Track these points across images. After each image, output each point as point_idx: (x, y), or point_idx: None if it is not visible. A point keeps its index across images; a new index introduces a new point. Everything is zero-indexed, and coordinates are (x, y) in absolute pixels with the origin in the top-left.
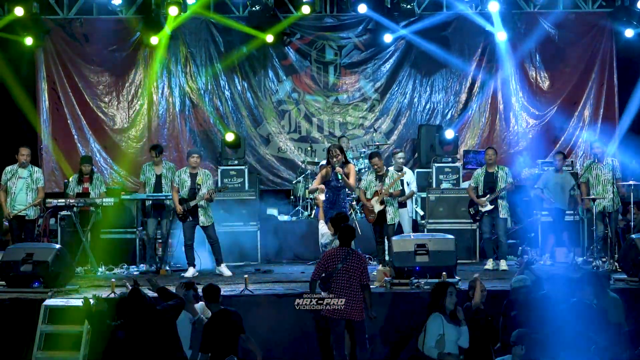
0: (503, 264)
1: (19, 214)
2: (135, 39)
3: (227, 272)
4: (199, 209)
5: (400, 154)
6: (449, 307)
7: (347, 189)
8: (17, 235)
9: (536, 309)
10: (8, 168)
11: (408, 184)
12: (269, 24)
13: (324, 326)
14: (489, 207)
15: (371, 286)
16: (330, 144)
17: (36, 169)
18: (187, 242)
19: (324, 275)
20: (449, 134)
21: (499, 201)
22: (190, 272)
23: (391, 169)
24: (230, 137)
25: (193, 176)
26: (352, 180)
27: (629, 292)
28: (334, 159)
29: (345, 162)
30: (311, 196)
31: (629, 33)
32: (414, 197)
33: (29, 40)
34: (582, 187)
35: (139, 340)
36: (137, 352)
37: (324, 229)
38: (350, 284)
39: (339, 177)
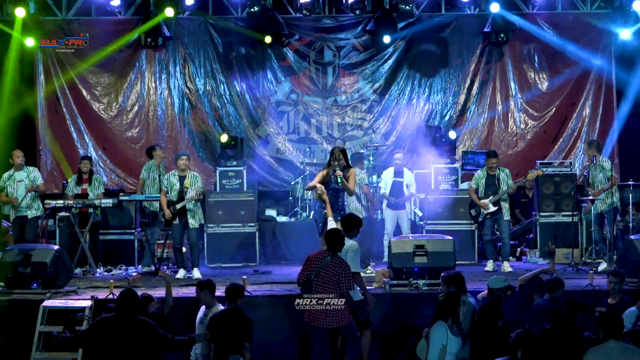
0: (507, 266)
1: (21, 214)
2: (134, 40)
3: (197, 275)
4: (188, 212)
5: (398, 155)
6: (460, 317)
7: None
8: (20, 236)
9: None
10: (5, 174)
11: (407, 186)
12: (268, 25)
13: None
14: (493, 208)
15: (369, 287)
16: (334, 146)
17: (32, 168)
18: (175, 245)
19: (304, 279)
20: (448, 135)
21: (502, 203)
22: (181, 274)
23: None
24: (224, 138)
25: (182, 179)
26: (351, 185)
27: (629, 293)
28: (336, 162)
29: (347, 166)
30: (311, 195)
31: (626, 34)
32: (412, 199)
33: (28, 41)
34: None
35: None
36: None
37: (333, 227)
38: (329, 290)
39: (339, 180)
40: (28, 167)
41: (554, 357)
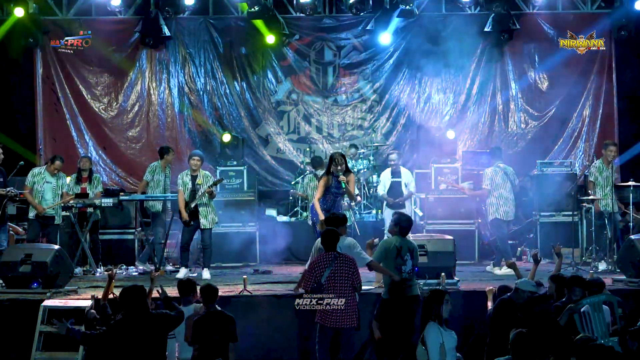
0: (496, 269)
1: (47, 214)
2: (134, 40)
3: (206, 275)
4: (200, 211)
5: (392, 155)
6: (445, 315)
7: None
8: (35, 235)
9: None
10: (35, 170)
11: (406, 185)
12: (268, 25)
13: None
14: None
15: (370, 287)
16: (333, 152)
17: (62, 174)
18: (183, 244)
19: (315, 285)
20: (448, 134)
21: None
22: (182, 273)
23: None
24: (226, 137)
25: (194, 178)
26: (352, 189)
27: (629, 293)
28: (338, 167)
29: (347, 171)
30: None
31: (626, 34)
32: (412, 198)
33: (28, 41)
34: (590, 186)
35: (131, 338)
36: (127, 350)
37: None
38: (342, 289)
39: (343, 185)
40: (60, 172)
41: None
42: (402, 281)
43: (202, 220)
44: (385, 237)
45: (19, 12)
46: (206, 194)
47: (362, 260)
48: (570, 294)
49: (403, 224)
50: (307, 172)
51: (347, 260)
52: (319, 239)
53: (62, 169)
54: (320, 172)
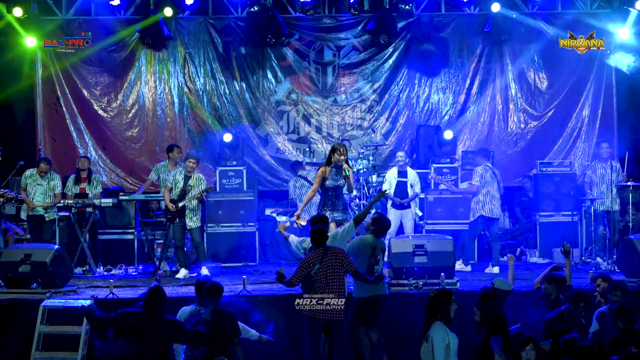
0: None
1: (37, 213)
2: (133, 40)
3: (205, 272)
4: (187, 212)
5: (400, 153)
6: (452, 315)
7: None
8: (35, 235)
9: None
10: (27, 172)
11: (412, 186)
12: (268, 25)
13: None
14: None
15: None
16: (335, 143)
17: (54, 175)
18: (177, 243)
19: (305, 280)
20: (448, 134)
21: None
22: (182, 274)
23: None
24: (227, 137)
25: (186, 178)
26: (351, 181)
27: (629, 293)
28: (342, 157)
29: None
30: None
31: (625, 33)
32: (416, 198)
33: (28, 41)
34: (580, 183)
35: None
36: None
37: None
38: (331, 283)
39: (347, 172)
40: (52, 172)
41: None
42: (374, 279)
43: (188, 221)
44: (389, 240)
45: (17, 12)
46: (195, 199)
47: (350, 224)
48: (574, 307)
49: (381, 225)
50: (293, 177)
51: (336, 252)
52: (304, 239)
53: (62, 170)
54: (302, 173)
